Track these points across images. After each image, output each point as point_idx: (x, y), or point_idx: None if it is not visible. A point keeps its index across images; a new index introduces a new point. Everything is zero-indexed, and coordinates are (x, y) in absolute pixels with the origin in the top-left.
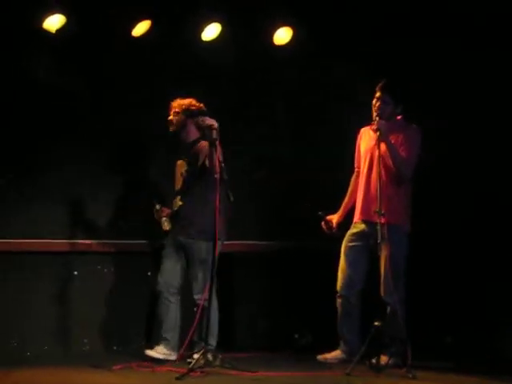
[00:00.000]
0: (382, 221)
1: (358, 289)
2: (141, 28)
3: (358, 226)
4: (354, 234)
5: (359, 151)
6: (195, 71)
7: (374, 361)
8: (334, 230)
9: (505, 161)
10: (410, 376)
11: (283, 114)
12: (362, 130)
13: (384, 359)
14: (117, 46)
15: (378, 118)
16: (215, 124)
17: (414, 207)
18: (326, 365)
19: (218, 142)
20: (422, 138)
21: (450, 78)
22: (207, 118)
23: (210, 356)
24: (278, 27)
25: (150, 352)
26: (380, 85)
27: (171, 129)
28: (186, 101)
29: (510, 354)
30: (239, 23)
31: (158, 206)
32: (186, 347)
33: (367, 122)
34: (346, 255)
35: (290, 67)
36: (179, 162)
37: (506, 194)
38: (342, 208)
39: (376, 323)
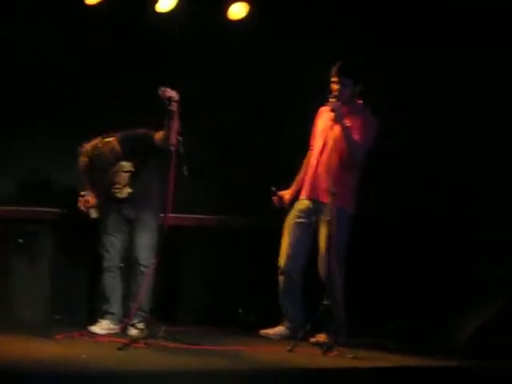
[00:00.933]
0: (330, 200)
1: (301, 266)
2: None
3: (303, 203)
4: (299, 211)
5: (315, 131)
6: (148, 44)
7: (319, 339)
8: (285, 206)
9: (459, 150)
10: (351, 356)
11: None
12: (322, 109)
13: (327, 337)
14: (69, 15)
15: (333, 100)
16: (176, 96)
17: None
18: (268, 340)
19: (176, 115)
20: (377, 125)
21: (412, 62)
22: (168, 89)
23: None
24: (234, 2)
25: (94, 328)
26: (336, 68)
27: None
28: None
29: (454, 339)
30: None
31: (88, 198)
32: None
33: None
34: (291, 231)
35: (244, 43)
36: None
37: (459, 180)
38: (294, 184)
39: (324, 302)
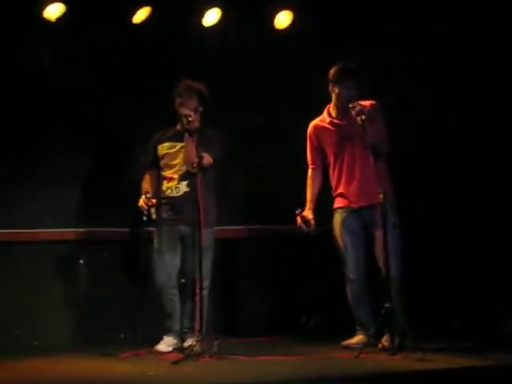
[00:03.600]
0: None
1: (365, 271)
2: (141, 15)
3: (350, 211)
4: (348, 218)
5: (317, 147)
6: (197, 57)
7: (385, 343)
8: (310, 227)
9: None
10: (418, 357)
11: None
12: (315, 124)
13: (392, 340)
14: (117, 34)
15: (355, 103)
16: (192, 115)
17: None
18: (349, 350)
19: (193, 133)
20: (380, 108)
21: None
22: (185, 108)
23: (206, 343)
24: (279, 11)
25: (159, 347)
26: (342, 74)
27: (186, 112)
28: (198, 84)
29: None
30: (239, 7)
31: (149, 194)
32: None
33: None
34: (346, 239)
35: (290, 51)
36: (167, 145)
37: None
38: (308, 203)
39: (387, 304)
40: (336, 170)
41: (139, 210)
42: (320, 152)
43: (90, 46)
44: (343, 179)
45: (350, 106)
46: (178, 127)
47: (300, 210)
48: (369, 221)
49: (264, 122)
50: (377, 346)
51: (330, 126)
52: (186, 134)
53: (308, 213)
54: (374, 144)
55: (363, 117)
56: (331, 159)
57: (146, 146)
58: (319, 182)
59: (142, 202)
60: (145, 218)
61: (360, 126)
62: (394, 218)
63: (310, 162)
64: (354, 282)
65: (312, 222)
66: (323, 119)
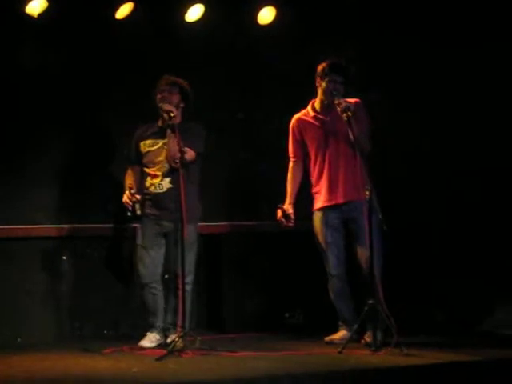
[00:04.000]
0: (366, 197)
1: (346, 267)
2: (124, 10)
3: (330, 209)
4: (327, 215)
5: (298, 140)
6: (180, 54)
7: (368, 339)
8: (291, 222)
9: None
10: (404, 353)
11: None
12: (298, 118)
13: (375, 336)
14: (100, 30)
15: (341, 99)
16: (174, 111)
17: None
18: (317, 343)
19: (175, 129)
20: (365, 106)
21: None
22: (166, 103)
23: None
24: (262, 6)
25: (143, 343)
26: (329, 67)
27: (168, 107)
28: (181, 80)
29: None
30: (222, 3)
31: (133, 190)
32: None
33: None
34: (326, 236)
35: (275, 47)
36: (150, 142)
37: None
38: (289, 198)
39: (370, 301)
40: (317, 165)
41: (123, 206)
42: (302, 146)
43: (73, 42)
44: (325, 174)
45: (336, 102)
46: (160, 123)
47: (281, 204)
48: (349, 217)
49: (247, 117)
50: (360, 341)
51: (313, 121)
52: (169, 130)
53: (288, 207)
54: (358, 141)
55: (349, 113)
56: (312, 154)
57: (129, 140)
58: (300, 175)
59: (125, 197)
60: (129, 214)
61: (345, 123)
62: (379, 214)
63: (291, 155)
64: (334, 277)
65: (292, 216)
66: (307, 113)
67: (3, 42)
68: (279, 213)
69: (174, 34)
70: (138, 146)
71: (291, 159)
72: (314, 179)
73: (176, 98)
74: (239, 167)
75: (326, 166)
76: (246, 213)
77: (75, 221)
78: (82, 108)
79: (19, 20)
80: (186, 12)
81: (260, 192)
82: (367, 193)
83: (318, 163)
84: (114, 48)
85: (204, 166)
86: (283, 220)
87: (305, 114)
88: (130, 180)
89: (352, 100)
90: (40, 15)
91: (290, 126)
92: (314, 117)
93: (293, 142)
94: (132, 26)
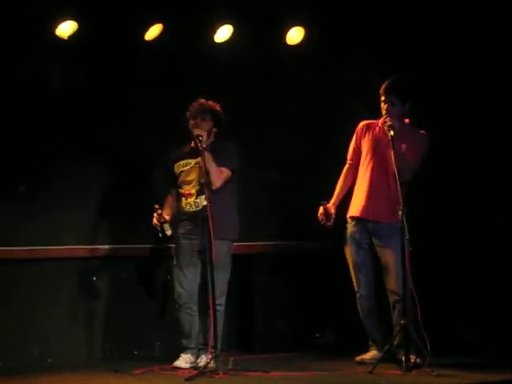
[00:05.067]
0: (399, 218)
1: (374, 286)
2: (153, 32)
3: (359, 224)
4: (356, 232)
5: (358, 145)
6: (209, 74)
7: (403, 359)
8: (330, 222)
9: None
10: (434, 374)
11: (297, 115)
12: (365, 124)
13: (411, 357)
14: (129, 51)
15: (388, 118)
16: (203, 135)
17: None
18: (363, 365)
19: (204, 152)
20: (428, 143)
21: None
22: (197, 128)
23: (221, 359)
24: (290, 27)
25: (177, 363)
26: (383, 87)
27: (198, 132)
28: (213, 104)
29: None
30: (251, 24)
31: (159, 211)
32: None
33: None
34: (355, 255)
35: (303, 67)
36: (183, 162)
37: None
38: (335, 198)
39: (403, 321)
40: (361, 172)
41: (155, 228)
42: (359, 151)
43: (103, 63)
44: (362, 186)
45: (382, 121)
46: (193, 144)
47: (325, 202)
48: (377, 236)
49: (277, 138)
50: (391, 361)
51: (375, 129)
52: (202, 151)
53: (331, 207)
54: (398, 164)
55: (392, 133)
56: (362, 159)
57: (164, 163)
58: (350, 179)
59: (154, 219)
60: (160, 235)
61: (389, 141)
62: (407, 235)
63: (348, 158)
64: (362, 297)
65: (332, 216)
66: (376, 122)
67: (34, 64)
68: (320, 209)
69: (202, 55)
70: (172, 168)
71: (348, 162)
72: (356, 184)
73: (208, 125)
74: (266, 187)
75: (366, 178)
76: (276, 232)
77: (107, 242)
78: (112, 129)
79: (50, 42)
80: (214, 33)
81: (289, 212)
82: (400, 213)
83: (362, 170)
84: (142, 69)
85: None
86: (323, 218)
87: (373, 122)
88: (166, 204)
89: (421, 131)
90: (70, 37)
91: (356, 129)
92: (378, 126)
93: (353, 146)
94: (161, 47)
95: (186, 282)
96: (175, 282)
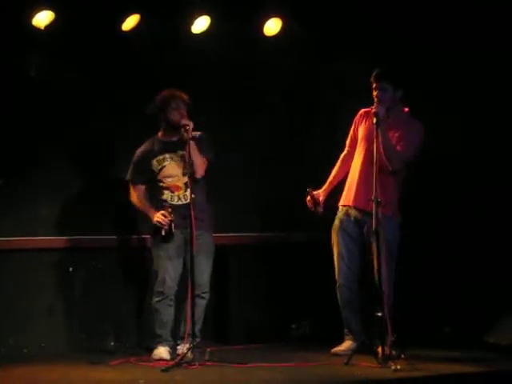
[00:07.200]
0: (379, 209)
1: (357, 276)
2: (130, 22)
3: (346, 212)
4: (345, 221)
5: (355, 132)
6: (185, 65)
7: (378, 350)
8: (319, 208)
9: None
10: (410, 364)
11: (278, 106)
12: (364, 111)
13: (386, 349)
14: (106, 41)
15: (377, 104)
16: (190, 124)
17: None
18: (323, 354)
19: (190, 143)
20: (423, 135)
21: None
22: (184, 118)
23: (197, 351)
24: (268, 18)
25: (155, 354)
26: (374, 74)
27: (185, 121)
28: (182, 93)
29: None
30: (229, 15)
31: (170, 209)
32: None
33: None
34: (341, 243)
35: (280, 58)
36: (164, 156)
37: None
38: (327, 185)
39: (379, 313)
40: (354, 162)
41: (156, 226)
42: (356, 138)
43: (79, 53)
44: (354, 174)
45: (372, 107)
46: (175, 138)
47: (311, 189)
48: (366, 226)
49: (254, 130)
50: (367, 353)
51: (370, 118)
52: (188, 141)
53: (319, 193)
54: (385, 153)
55: (375, 120)
56: (355, 148)
57: (135, 160)
58: (346, 165)
59: (160, 217)
60: (163, 233)
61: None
62: (393, 230)
63: (347, 145)
64: (341, 286)
65: (320, 203)
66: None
67: (9, 55)
68: (308, 196)
69: (179, 46)
70: (149, 164)
71: (346, 148)
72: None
73: (185, 112)
74: (248, 178)
75: (357, 166)
76: (252, 224)
77: (80, 233)
78: (85, 120)
79: (26, 32)
80: (192, 24)
81: (266, 203)
82: (372, 204)
83: (355, 158)
84: (119, 60)
85: (215, 177)
86: (311, 205)
87: (371, 109)
88: (143, 200)
89: (416, 124)
90: (46, 27)
91: (356, 117)
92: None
93: (350, 133)
94: (138, 38)
95: (172, 273)
96: (164, 273)
